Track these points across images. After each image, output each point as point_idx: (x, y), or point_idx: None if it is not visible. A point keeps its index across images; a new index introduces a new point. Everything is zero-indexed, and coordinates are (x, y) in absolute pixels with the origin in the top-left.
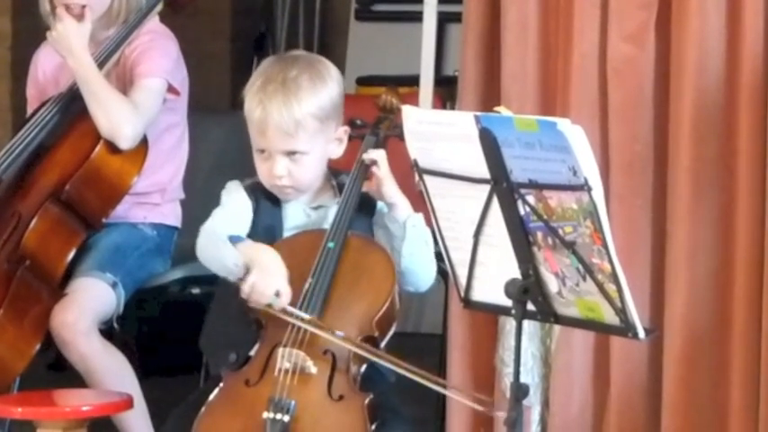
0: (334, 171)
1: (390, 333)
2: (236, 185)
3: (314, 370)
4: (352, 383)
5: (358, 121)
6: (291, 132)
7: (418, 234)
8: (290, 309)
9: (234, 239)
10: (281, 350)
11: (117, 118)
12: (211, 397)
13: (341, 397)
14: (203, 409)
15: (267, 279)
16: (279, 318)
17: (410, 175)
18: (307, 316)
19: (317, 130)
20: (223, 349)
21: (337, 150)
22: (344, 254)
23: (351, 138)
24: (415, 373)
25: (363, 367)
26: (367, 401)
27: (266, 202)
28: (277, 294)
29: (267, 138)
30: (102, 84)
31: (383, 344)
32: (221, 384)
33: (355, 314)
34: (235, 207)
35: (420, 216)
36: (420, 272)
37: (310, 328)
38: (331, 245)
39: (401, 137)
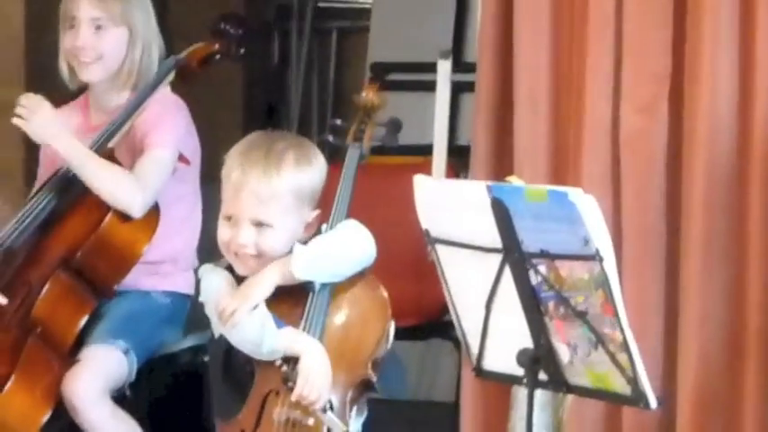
0: None
1: (382, 363)
2: (212, 266)
3: (311, 422)
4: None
5: (338, 122)
6: (265, 201)
7: (310, 266)
8: (330, 415)
9: (277, 324)
10: (277, 409)
11: (121, 194)
12: None
13: None
14: None
15: (316, 384)
16: (268, 365)
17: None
18: (344, 426)
19: (290, 207)
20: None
21: (304, 235)
22: (334, 294)
23: (332, 146)
24: None
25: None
26: None
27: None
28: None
29: (239, 200)
30: (98, 162)
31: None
32: None
33: (350, 359)
34: (227, 281)
35: (289, 259)
36: (352, 266)
37: None
38: (318, 285)
39: (383, 151)
